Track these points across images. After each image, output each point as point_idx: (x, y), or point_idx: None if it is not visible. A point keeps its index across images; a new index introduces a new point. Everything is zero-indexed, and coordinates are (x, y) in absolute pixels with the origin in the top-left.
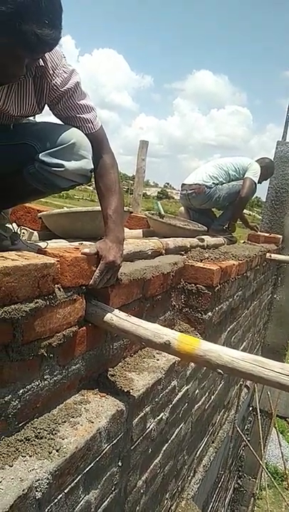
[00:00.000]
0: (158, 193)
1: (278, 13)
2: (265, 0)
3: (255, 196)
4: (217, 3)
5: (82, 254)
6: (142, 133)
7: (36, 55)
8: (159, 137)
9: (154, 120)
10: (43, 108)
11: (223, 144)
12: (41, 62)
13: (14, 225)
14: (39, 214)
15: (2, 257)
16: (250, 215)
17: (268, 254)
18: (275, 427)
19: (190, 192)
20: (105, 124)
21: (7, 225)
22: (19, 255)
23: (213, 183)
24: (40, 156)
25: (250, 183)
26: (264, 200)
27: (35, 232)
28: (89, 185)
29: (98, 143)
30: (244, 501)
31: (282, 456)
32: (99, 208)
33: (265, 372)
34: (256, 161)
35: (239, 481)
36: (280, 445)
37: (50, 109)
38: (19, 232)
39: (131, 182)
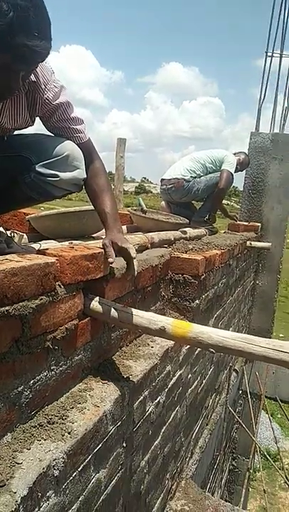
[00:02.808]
0: (136, 188)
1: (247, 1)
2: None
3: (232, 186)
4: None
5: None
6: (115, 128)
7: (30, 67)
8: (133, 132)
9: (127, 115)
10: (34, 121)
11: (197, 135)
12: (33, 78)
13: (1, 228)
14: (27, 217)
15: (6, 259)
16: (228, 204)
17: (248, 242)
18: (265, 410)
19: (169, 186)
20: None
21: (0, 229)
22: (21, 257)
23: (191, 176)
24: (37, 167)
25: (227, 175)
26: (241, 189)
27: (25, 235)
28: None
29: (88, 151)
30: (239, 481)
31: (275, 438)
32: (86, 207)
33: (253, 348)
34: (233, 154)
35: (234, 463)
36: (272, 428)
37: (43, 122)
38: (11, 236)
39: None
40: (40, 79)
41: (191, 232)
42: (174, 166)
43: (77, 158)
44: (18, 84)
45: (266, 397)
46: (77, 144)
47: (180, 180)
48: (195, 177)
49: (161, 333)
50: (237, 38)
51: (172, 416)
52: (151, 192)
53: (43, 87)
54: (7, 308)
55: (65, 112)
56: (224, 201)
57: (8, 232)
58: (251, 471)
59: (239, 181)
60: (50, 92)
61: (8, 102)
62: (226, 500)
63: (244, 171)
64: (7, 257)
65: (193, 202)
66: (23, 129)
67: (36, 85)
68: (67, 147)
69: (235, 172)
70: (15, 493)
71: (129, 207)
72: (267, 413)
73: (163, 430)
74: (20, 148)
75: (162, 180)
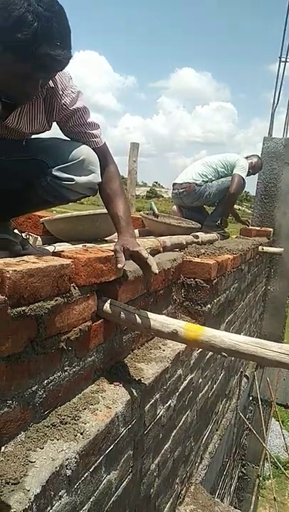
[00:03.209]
0: (147, 192)
1: (259, 7)
2: None
3: (244, 191)
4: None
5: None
6: (127, 133)
7: (50, 75)
8: (145, 136)
9: (140, 120)
10: (51, 125)
11: (210, 140)
12: (51, 84)
13: (16, 231)
14: (41, 220)
15: (23, 260)
16: (239, 209)
17: (260, 247)
18: (276, 417)
19: (181, 191)
20: None
21: (15, 231)
22: (38, 258)
23: (203, 180)
24: (53, 171)
25: (238, 179)
26: (253, 194)
27: (39, 237)
28: None
29: (104, 155)
30: (249, 489)
31: (285, 445)
32: (99, 210)
33: (265, 352)
34: (245, 158)
35: (243, 469)
36: (283, 435)
37: (60, 126)
38: (26, 238)
39: None
40: (58, 85)
41: (202, 236)
42: (186, 170)
43: (92, 162)
44: (37, 90)
45: (277, 403)
46: (92, 149)
47: (191, 184)
48: (207, 181)
49: (174, 336)
50: (250, 43)
51: (183, 420)
52: (163, 196)
53: (60, 92)
54: (23, 308)
55: (82, 117)
56: (236, 206)
57: (24, 234)
58: (261, 478)
59: (251, 186)
60: (67, 98)
61: (26, 107)
62: (236, 508)
63: (257, 174)
64: (24, 258)
65: (205, 206)
66: (40, 133)
67: (54, 91)
68: (83, 151)
69: (247, 176)
70: (28, 490)
71: (140, 211)
72: (277, 420)
73: (173, 434)
74: (37, 151)
75: (174, 184)
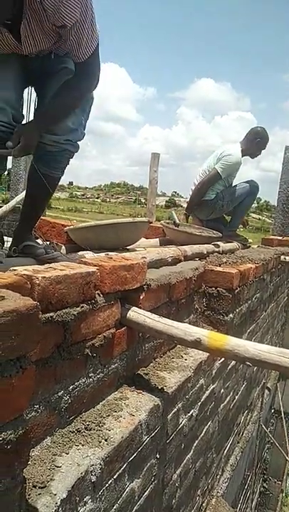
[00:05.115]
0: (166, 201)
1: (279, 16)
2: (264, 6)
3: (264, 200)
4: (215, 10)
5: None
6: (146, 143)
7: None
8: (164, 147)
9: (159, 130)
10: (60, 35)
11: None
12: None
13: (39, 240)
14: (65, 228)
15: (51, 267)
16: (259, 219)
17: (282, 257)
18: None
19: (195, 208)
20: (110, 137)
21: (38, 240)
22: (64, 266)
23: (212, 193)
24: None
25: (213, 173)
26: (273, 203)
27: (63, 246)
28: (96, 198)
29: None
30: (271, 505)
31: None
32: (121, 220)
33: None
34: (247, 134)
35: (265, 484)
36: None
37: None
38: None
39: (138, 192)
40: None
41: (223, 245)
42: (192, 187)
43: None
44: None
45: None
46: (77, 62)
47: (202, 201)
48: (218, 193)
49: (197, 344)
50: (270, 53)
51: (204, 430)
52: (182, 206)
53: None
54: (51, 314)
55: (78, 32)
56: (255, 216)
57: (47, 243)
58: (283, 494)
59: (272, 196)
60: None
61: (33, 25)
62: None
63: (279, 183)
64: (51, 265)
65: (224, 216)
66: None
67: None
68: None
69: (253, 157)
70: (55, 495)
71: (160, 220)
72: None
73: (195, 444)
74: None
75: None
